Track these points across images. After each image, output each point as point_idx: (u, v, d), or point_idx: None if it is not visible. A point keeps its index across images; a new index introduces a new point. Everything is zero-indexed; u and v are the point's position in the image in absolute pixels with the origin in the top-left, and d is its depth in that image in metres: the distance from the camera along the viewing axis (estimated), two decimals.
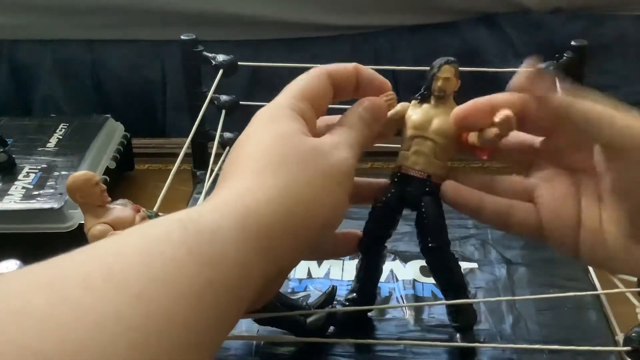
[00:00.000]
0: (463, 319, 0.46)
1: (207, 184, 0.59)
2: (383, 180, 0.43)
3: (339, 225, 0.37)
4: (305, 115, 0.37)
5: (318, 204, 0.34)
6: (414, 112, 0.42)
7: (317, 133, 0.37)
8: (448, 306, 0.46)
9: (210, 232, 0.28)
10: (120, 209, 0.43)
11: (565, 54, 0.61)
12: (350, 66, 0.40)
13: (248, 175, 0.33)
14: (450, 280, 0.45)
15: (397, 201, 0.43)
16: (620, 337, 0.46)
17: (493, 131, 0.38)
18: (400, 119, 0.42)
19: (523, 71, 0.38)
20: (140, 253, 0.26)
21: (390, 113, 0.41)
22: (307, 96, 0.38)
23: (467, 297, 0.46)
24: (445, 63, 0.41)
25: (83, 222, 0.43)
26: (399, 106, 0.42)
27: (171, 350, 0.24)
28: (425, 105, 0.42)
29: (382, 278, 0.48)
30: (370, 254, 0.46)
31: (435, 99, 0.41)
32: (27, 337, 0.21)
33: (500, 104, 0.38)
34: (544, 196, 0.40)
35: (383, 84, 0.41)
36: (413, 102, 0.42)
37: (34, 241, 0.60)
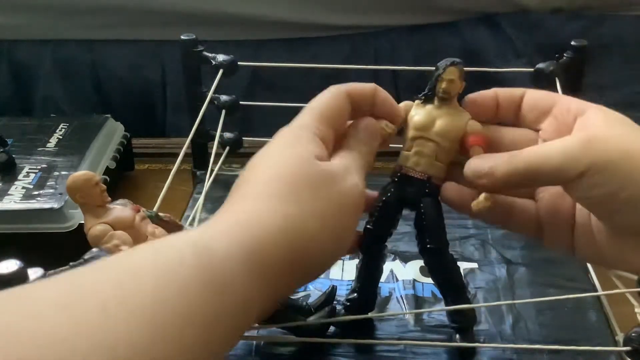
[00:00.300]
0: (462, 320, 0.46)
1: (207, 184, 0.59)
2: (373, 193, 0.43)
3: (345, 253, 0.38)
4: (325, 139, 0.37)
5: (327, 236, 0.34)
6: (417, 113, 0.42)
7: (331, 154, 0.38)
8: (448, 306, 0.46)
9: (220, 260, 0.29)
10: (120, 209, 0.43)
11: (565, 54, 0.61)
12: (369, 88, 0.40)
13: (259, 198, 0.34)
14: (449, 280, 0.45)
15: (397, 201, 0.43)
16: (620, 337, 0.46)
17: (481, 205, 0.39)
18: (403, 118, 0.42)
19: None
20: (153, 276, 0.26)
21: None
22: (328, 117, 0.38)
23: (467, 297, 0.46)
24: (450, 65, 0.40)
25: (83, 222, 0.43)
26: (402, 105, 0.42)
27: None
28: (428, 106, 0.42)
29: (382, 278, 0.48)
30: (371, 254, 0.46)
31: (438, 100, 0.41)
32: (44, 358, 0.22)
33: (503, 99, 0.40)
34: (544, 193, 0.40)
35: (395, 110, 0.41)
36: (416, 102, 0.42)
37: (34, 241, 0.60)
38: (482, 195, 0.39)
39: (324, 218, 0.34)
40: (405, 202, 0.43)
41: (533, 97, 0.41)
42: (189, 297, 0.27)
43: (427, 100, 0.42)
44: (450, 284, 0.45)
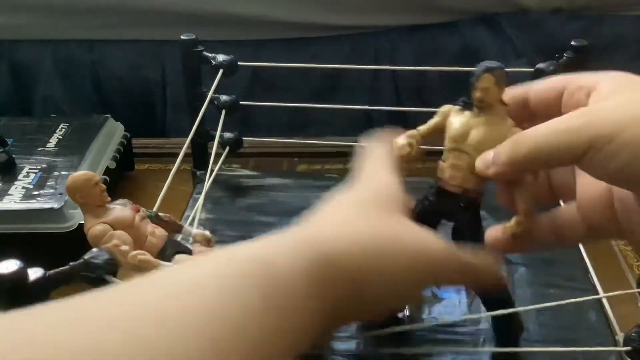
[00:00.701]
0: (509, 328, 0.45)
1: (207, 184, 0.59)
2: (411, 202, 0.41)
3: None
4: None
5: (403, 260, 0.34)
6: (455, 120, 0.39)
7: None
8: (493, 317, 0.45)
9: (284, 278, 0.28)
10: (120, 208, 0.43)
11: (565, 54, 0.60)
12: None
13: (332, 215, 0.34)
14: (488, 293, 0.43)
15: (433, 213, 0.41)
16: (620, 337, 0.46)
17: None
18: (443, 121, 0.40)
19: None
20: (215, 294, 0.26)
21: (434, 119, 0.40)
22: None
23: (512, 306, 0.44)
24: (485, 71, 0.37)
25: (83, 222, 0.43)
26: (443, 109, 0.40)
27: None
28: (467, 113, 0.39)
29: None
30: None
31: (477, 108, 0.39)
32: None
33: (533, 96, 0.38)
34: (580, 188, 0.38)
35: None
36: (457, 108, 0.40)
37: (34, 241, 0.60)
38: (514, 219, 0.37)
39: (402, 241, 0.34)
40: (443, 214, 0.41)
41: (540, 89, 0.38)
42: (251, 317, 0.26)
43: (466, 106, 0.39)
44: (491, 297, 0.44)
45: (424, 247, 0.35)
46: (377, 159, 0.39)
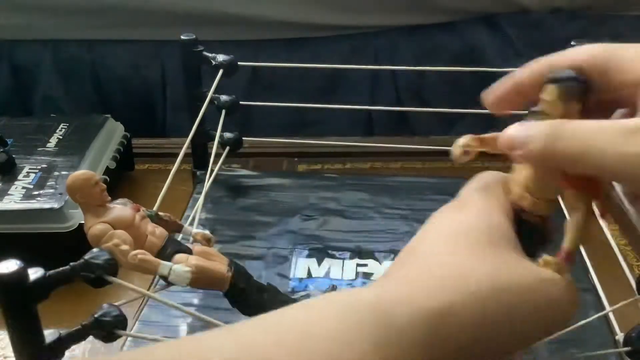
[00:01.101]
0: None
1: (207, 184, 0.59)
2: None
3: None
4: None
5: (529, 310, 0.29)
6: None
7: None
8: None
9: (398, 330, 0.27)
10: (120, 208, 0.43)
11: None
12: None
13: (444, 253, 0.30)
14: None
15: None
16: (620, 337, 0.46)
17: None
18: None
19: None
20: (328, 340, 0.25)
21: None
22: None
23: None
24: (549, 81, 0.32)
25: (83, 222, 0.43)
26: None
27: None
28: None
29: None
30: None
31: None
32: None
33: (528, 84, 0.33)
34: None
35: None
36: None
37: (34, 241, 0.60)
38: (544, 259, 0.32)
39: (529, 291, 0.29)
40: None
41: (532, 71, 0.33)
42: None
43: (533, 116, 0.32)
44: None
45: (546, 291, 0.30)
46: (491, 195, 0.33)
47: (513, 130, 0.31)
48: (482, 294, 0.29)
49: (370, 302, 0.27)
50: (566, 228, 0.32)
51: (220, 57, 0.63)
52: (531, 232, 0.34)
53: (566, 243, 0.32)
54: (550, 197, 0.33)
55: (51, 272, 0.34)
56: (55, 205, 0.60)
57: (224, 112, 0.63)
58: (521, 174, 0.33)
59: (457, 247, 0.30)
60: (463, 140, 0.34)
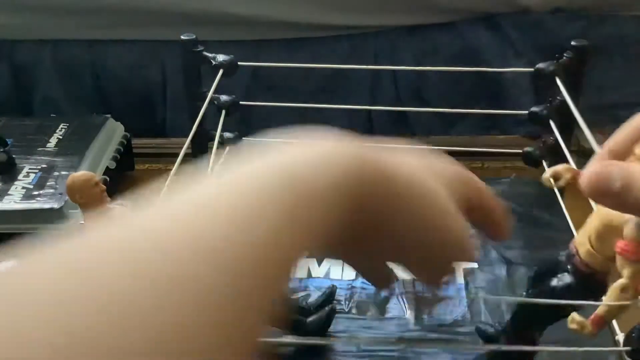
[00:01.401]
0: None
1: None
2: None
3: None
4: None
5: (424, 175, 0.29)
6: None
7: None
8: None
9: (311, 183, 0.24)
10: (120, 208, 0.43)
11: (565, 54, 0.61)
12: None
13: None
14: None
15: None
16: (620, 337, 0.46)
17: None
18: None
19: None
20: (230, 207, 0.22)
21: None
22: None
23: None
24: None
25: (83, 222, 0.43)
26: None
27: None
28: None
29: None
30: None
31: None
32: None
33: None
34: None
35: None
36: None
37: (34, 241, 0.60)
38: (576, 323, 0.31)
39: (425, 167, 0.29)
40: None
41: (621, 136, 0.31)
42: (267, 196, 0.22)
43: None
44: None
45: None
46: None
47: (601, 173, 0.29)
48: (411, 167, 0.29)
49: (278, 170, 0.24)
50: (608, 292, 0.32)
51: (220, 57, 0.63)
52: (582, 281, 0.34)
53: (600, 308, 0.32)
54: (606, 254, 0.33)
55: None
56: (55, 205, 0.60)
57: (224, 112, 0.63)
58: (592, 223, 0.33)
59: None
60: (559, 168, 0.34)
